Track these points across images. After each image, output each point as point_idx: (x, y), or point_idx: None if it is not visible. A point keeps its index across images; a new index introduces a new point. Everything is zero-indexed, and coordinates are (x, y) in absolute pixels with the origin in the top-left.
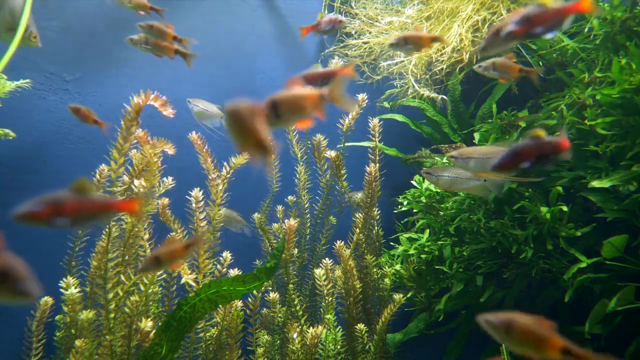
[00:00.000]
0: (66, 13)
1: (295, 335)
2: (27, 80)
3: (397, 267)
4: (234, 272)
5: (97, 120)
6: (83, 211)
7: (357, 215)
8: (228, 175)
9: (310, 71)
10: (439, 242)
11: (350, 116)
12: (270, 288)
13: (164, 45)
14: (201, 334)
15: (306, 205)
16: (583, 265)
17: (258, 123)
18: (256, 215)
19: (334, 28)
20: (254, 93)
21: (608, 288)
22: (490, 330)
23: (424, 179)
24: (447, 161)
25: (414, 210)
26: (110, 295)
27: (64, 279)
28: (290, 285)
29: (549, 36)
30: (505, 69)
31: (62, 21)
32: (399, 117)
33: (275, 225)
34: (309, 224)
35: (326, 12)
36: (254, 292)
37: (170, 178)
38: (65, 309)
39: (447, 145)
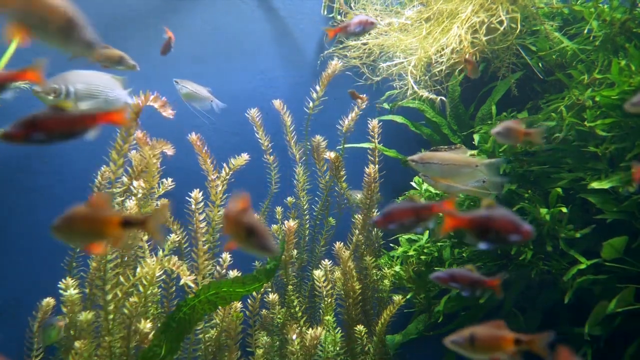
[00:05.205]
0: None
1: (294, 337)
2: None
3: (397, 268)
4: (234, 273)
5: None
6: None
7: (356, 217)
8: (227, 177)
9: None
10: (439, 244)
11: (349, 117)
12: (270, 289)
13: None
14: (200, 335)
15: (305, 207)
16: (583, 266)
17: None
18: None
19: (365, 30)
20: (253, 93)
21: (608, 289)
22: None
23: (423, 180)
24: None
25: None
26: (110, 297)
27: (63, 280)
28: (290, 287)
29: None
30: None
31: None
32: (398, 119)
33: (275, 226)
34: (308, 225)
35: (326, 12)
36: (254, 293)
37: (169, 179)
38: (65, 310)
39: (446, 147)
